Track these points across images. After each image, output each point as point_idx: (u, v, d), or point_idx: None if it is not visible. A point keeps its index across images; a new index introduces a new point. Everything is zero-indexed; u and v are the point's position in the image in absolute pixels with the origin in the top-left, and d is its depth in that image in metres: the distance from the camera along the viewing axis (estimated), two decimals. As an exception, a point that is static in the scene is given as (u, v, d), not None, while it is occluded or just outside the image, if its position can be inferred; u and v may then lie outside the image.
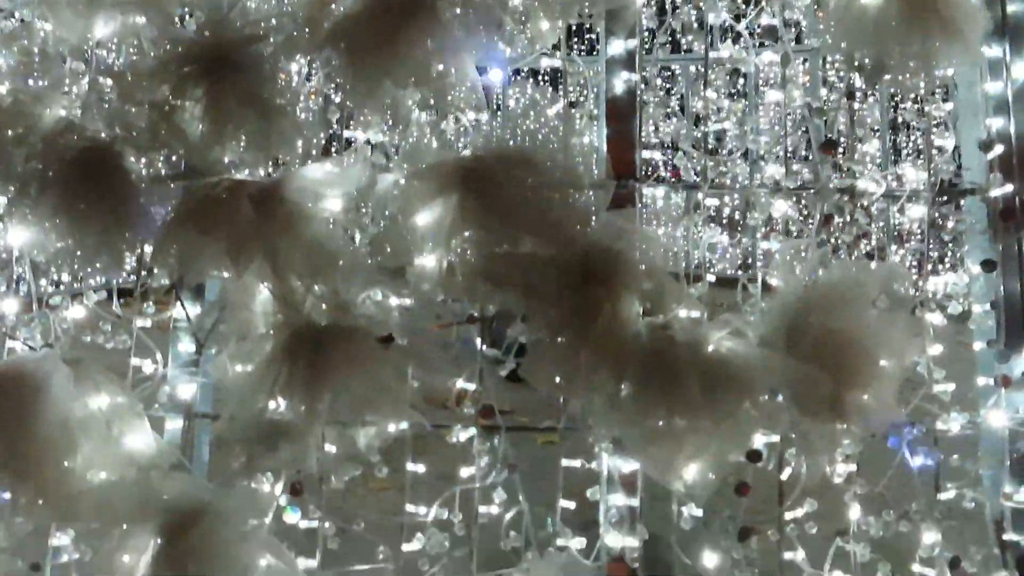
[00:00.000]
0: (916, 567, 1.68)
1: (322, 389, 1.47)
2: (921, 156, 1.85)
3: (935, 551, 1.65)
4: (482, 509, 1.61)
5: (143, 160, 1.57)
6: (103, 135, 1.56)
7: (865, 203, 1.66)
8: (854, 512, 1.65)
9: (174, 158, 1.60)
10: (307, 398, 1.48)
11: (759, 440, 1.56)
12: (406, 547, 1.61)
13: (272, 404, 1.51)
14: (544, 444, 1.87)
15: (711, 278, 1.74)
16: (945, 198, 1.74)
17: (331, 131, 1.82)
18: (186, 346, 1.69)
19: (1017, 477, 1.71)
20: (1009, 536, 1.70)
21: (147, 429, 1.57)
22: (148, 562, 1.45)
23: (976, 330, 1.77)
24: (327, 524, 1.61)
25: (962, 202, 1.82)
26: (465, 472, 1.62)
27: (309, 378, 1.48)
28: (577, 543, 1.60)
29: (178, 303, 1.68)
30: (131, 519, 1.47)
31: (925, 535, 1.66)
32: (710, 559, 1.57)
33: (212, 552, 1.44)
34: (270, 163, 1.61)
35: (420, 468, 1.64)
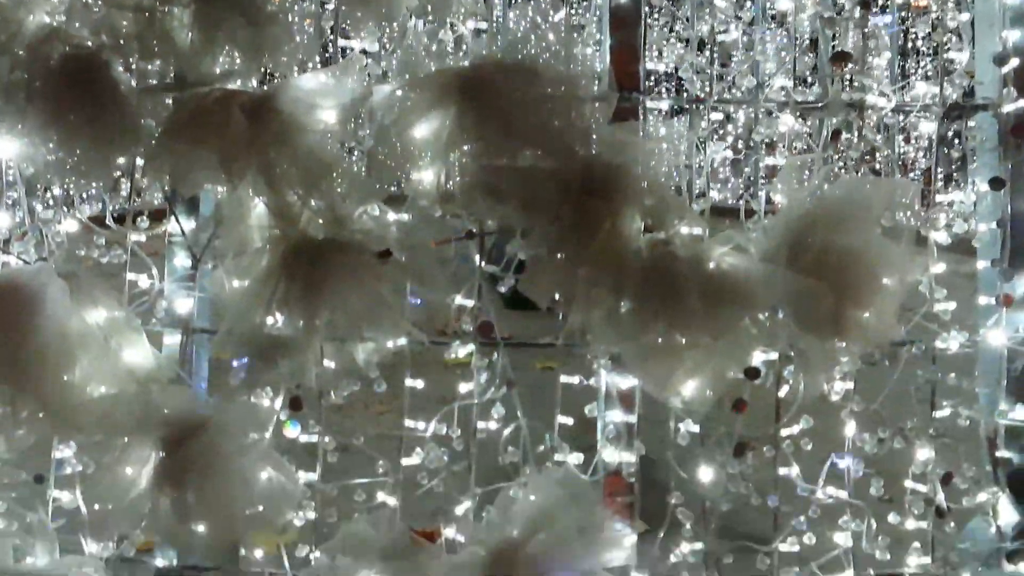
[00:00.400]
0: (908, 483, 1.70)
1: (319, 304, 1.47)
2: (930, 79, 1.80)
3: (928, 467, 1.67)
4: (480, 425, 1.62)
5: (132, 69, 1.53)
6: (89, 43, 1.51)
7: (874, 119, 1.62)
8: (849, 429, 1.66)
9: (167, 76, 1.55)
10: (304, 313, 1.47)
11: (758, 357, 1.56)
12: (405, 461, 1.62)
13: (270, 320, 1.51)
14: (543, 369, 1.87)
15: (714, 195, 1.71)
16: (956, 114, 1.69)
17: (327, 53, 1.75)
18: (182, 261, 1.67)
19: (1013, 395, 1.72)
20: (1001, 453, 1.73)
21: (145, 344, 1.57)
22: (150, 474, 1.47)
23: (980, 249, 1.75)
24: (327, 439, 1.63)
25: (971, 120, 1.78)
26: (463, 388, 1.62)
27: (306, 293, 1.46)
28: (575, 458, 1.61)
29: (173, 218, 1.65)
30: (132, 432, 1.48)
31: (919, 452, 1.68)
32: (706, 474, 1.59)
33: (213, 464, 1.45)
34: (263, 74, 1.56)
35: (419, 384, 1.64)
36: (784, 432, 1.64)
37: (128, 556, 1.66)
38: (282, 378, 1.54)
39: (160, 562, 1.69)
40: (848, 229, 1.50)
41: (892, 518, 1.70)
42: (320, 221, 1.49)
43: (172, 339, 1.67)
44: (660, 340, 1.43)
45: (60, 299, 1.50)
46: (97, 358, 1.52)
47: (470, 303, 1.61)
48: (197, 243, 1.62)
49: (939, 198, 1.73)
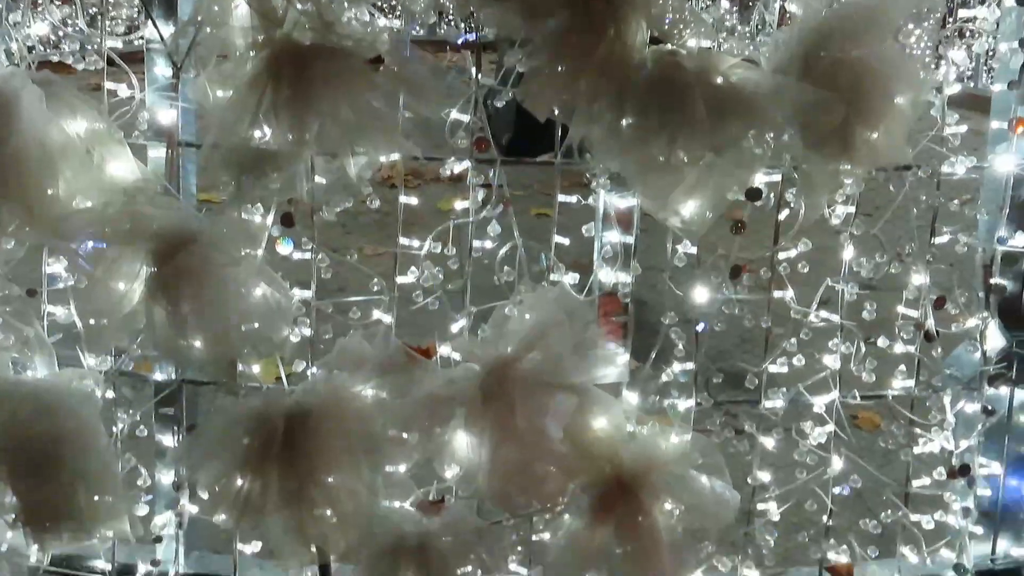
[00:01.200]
0: (900, 308, 1.71)
1: (309, 114, 1.40)
2: None
3: (921, 292, 1.68)
4: (476, 243, 1.60)
5: None
6: None
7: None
8: (847, 253, 1.66)
9: None
10: (293, 124, 1.41)
11: (760, 179, 1.52)
12: (400, 279, 1.61)
13: (257, 133, 1.45)
14: (538, 215, 1.83)
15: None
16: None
17: None
18: (162, 69, 1.59)
19: (1013, 223, 1.71)
20: (995, 280, 1.73)
21: (129, 156, 1.51)
22: (141, 288, 1.46)
23: (998, 69, 1.68)
24: (320, 255, 1.61)
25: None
26: (459, 206, 1.59)
27: (294, 102, 1.40)
28: (570, 278, 1.61)
29: (150, 22, 1.56)
30: (121, 244, 1.46)
31: (914, 276, 1.68)
32: (700, 294, 1.59)
33: (206, 276, 1.44)
34: None
35: (413, 200, 1.61)
36: (781, 255, 1.63)
37: (127, 370, 1.68)
38: (273, 192, 1.50)
39: (159, 376, 1.72)
40: (864, 42, 1.42)
41: (881, 342, 1.72)
42: (307, 25, 1.40)
43: (157, 152, 1.62)
44: (661, 156, 1.39)
45: (37, 107, 1.43)
46: (80, 171, 1.47)
47: (466, 118, 1.54)
48: (177, 50, 1.53)
49: (960, 13, 1.64)
